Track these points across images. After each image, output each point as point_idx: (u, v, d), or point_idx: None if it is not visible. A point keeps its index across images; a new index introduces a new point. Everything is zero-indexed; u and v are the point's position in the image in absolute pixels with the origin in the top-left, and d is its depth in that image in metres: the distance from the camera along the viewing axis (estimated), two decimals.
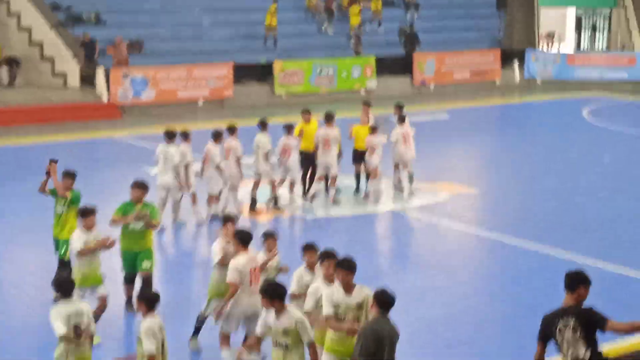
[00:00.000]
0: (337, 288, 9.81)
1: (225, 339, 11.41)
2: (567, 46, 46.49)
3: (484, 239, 18.10)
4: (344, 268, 9.86)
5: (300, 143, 20.12)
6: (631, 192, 21.72)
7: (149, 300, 9.50)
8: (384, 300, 9.09)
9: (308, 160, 20.17)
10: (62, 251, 13.87)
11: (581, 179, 23.09)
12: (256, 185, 19.53)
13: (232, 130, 19.11)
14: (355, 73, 36.89)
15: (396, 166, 20.97)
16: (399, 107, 21.46)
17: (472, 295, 14.95)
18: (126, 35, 34.37)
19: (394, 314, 9.23)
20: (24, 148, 26.53)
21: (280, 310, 9.32)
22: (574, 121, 32.46)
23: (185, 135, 18.66)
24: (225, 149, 18.76)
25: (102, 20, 34.81)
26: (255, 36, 36.99)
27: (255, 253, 11.44)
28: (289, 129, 19.94)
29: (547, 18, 45.42)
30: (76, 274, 12.06)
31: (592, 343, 8.77)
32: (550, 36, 44.83)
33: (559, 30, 46.64)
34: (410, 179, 20.79)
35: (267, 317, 9.44)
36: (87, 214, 12.51)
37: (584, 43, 46.76)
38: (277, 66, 35.27)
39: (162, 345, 9.42)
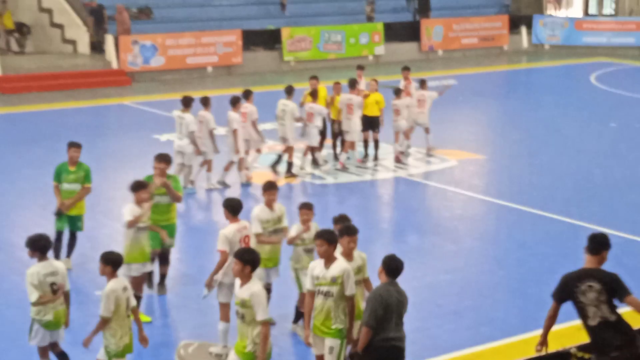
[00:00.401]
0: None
1: (223, 308, 11.24)
2: (575, 11, 46.29)
3: (490, 205, 18.15)
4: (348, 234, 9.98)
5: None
6: (637, 157, 21.72)
7: (115, 262, 9.70)
8: (393, 267, 9.14)
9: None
10: (80, 224, 14.21)
11: (588, 144, 23.10)
12: (290, 150, 19.69)
13: (247, 94, 19.30)
14: (363, 39, 36.84)
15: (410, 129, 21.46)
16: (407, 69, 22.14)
17: (478, 260, 15.03)
18: (135, 3, 34.40)
19: (401, 280, 9.33)
20: (35, 114, 26.65)
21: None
22: (582, 86, 32.45)
23: (205, 102, 18.79)
24: (241, 113, 18.90)
25: None
26: (264, 3, 36.91)
27: (246, 222, 11.38)
28: (313, 94, 20.06)
29: None
30: (127, 250, 11.74)
31: (614, 308, 8.79)
32: (557, 1, 44.65)
33: None
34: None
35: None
36: (139, 187, 12.18)
37: (592, 8, 46.50)
38: (285, 33, 35.23)
39: (127, 304, 9.62)
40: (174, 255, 13.82)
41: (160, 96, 29.37)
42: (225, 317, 11.15)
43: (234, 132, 18.52)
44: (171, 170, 13.93)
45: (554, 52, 40.30)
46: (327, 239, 9.49)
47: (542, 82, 34.57)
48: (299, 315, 11.60)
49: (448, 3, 40.40)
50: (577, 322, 12.05)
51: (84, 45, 32.83)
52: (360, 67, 22.63)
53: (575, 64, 37.59)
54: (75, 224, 14.20)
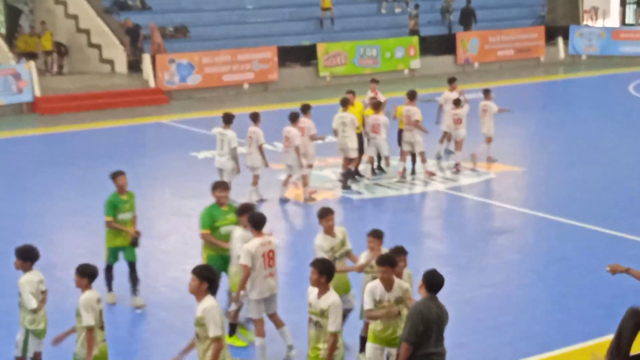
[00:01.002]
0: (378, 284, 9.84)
1: (257, 324, 11.24)
2: (612, 21, 45.99)
3: (529, 218, 18.04)
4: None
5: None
6: None
7: (91, 275, 9.77)
8: (434, 282, 9.12)
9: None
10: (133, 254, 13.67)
11: (628, 156, 22.91)
12: (353, 161, 20.04)
13: (305, 109, 19.50)
14: (398, 53, 36.84)
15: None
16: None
17: (518, 274, 14.96)
18: (171, 21, 34.66)
19: (442, 295, 9.30)
20: (73, 134, 26.87)
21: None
22: (621, 96, 32.19)
23: (255, 117, 18.88)
24: (299, 127, 19.03)
25: (147, 6, 35.07)
26: (299, 19, 37.06)
27: (269, 236, 11.28)
28: (377, 105, 20.26)
29: None
30: (234, 278, 11.51)
31: None
32: (594, 11, 44.41)
33: (604, 6, 46.19)
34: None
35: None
36: (245, 211, 11.71)
37: (629, 18, 46.20)
38: (321, 48, 35.31)
39: (100, 316, 9.71)
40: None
41: (198, 114, 29.52)
42: (260, 333, 11.16)
43: (297, 148, 18.58)
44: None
45: (592, 63, 40.05)
46: (319, 268, 9.38)
47: (579, 93, 34.35)
48: (363, 344, 11.06)
49: (483, 16, 40.21)
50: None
51: (121, 65, 33.10)
52: (374, 81, 22.65)
53: (614, 74, 37.32)
54: (132, 254, 13.65)
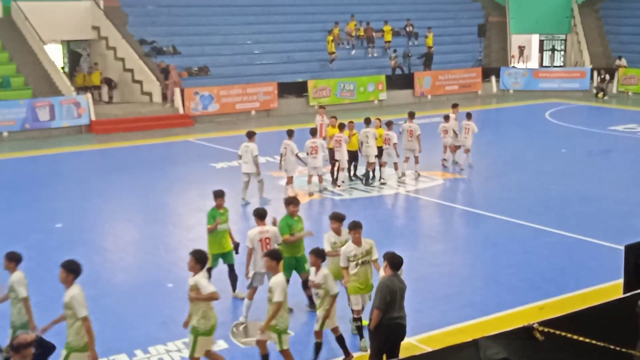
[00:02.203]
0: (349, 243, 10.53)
1: (252, 292, 11.47)
2: (533, 64, 46.17)
3: (469, 214, 18.08)
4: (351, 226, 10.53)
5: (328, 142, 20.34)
6: (583, 176, 21.61)
7: (77, 272, 8.78)
8: (395, 262, 9.16)
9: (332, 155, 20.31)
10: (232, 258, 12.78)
11: (545, 166, 22.99)
12: (373, 165, 20.33)
13: (342, 127, 20.07)
14: (370, 88, 36.84)
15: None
16: (410, 114, 22.09)
17: (460, 257, 14.98)
18: (196, 63, 34.61)
19: (403, 272, 9.32)
20: (121, 149, 26.81)
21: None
22: (539, 121, 32.25)
23: (290, 133, 19.16)
24: (335, 139, 19.83)
25: (178, 51, 35.01)
26: (294, 61, 37.05)
27: (269, 227, 11.46)
28: (389, 124, 20.61)
29: (516, 43, 45.11)
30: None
31: None
32: (521, 49, 44.59)
33: (527, 52, 46.38)
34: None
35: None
36: (339, 219, 11.19)
37: (546, 61, 46.36)
38: (311, 84, 35.30)
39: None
40: None
41: (216, 134, 29.49)
42: (250, 297, 11.45)
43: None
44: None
45: (517, 96, 40.08)
46: (270, 255, 9.73)
47: (508, 119, 34.42)
48: (360, 333, 10.74)
49: (435, 59, 40.30)
50: (537, 303, 12.07)
51: (157, 96, 33.01)
52: (322, 107, 23.88)
53: (534, 104, 37.36)
54: (231, 257, 12.74)
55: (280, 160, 19.13)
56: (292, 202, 12.02)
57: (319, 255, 10.22)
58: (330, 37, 37.59)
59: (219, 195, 12.92)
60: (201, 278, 9.22)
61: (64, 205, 18.87)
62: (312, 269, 10.25)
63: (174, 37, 35.64)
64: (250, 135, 18.52)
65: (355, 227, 10.45)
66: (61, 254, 14.69)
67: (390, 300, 8.94)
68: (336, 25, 38.88)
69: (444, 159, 22.62)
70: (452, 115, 22.96)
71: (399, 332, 9.17)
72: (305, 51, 37.95)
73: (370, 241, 10.64)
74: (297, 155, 18.98)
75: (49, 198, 19.58)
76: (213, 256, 12.42)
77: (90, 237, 16.33)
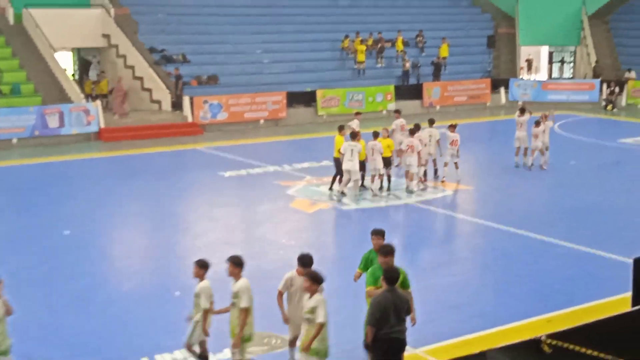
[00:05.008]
0: None
1: None
2: (542, 75, 46.12)
3: (478, 225, 17.94)
4: None
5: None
6: (592, 187, 21.50)
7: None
8: (388, 277, 9.01)
9: (338, 165, 20.16)
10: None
11: (554, 177, 22.91)
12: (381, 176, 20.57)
13: (376, 135, 20.30)
14: (378, 98, 36.82)
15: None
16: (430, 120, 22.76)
17: (470, 267, 14.91)
18: (205, 71, 34.67)
19: (412, 283, 9.21)
20: (131, 156, 26.83)
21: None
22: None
23: (376, 135, 20.26)
24: (407, 144, 20.35)
25: (188, 60, 35.07)
26: (303, 71, 37.08)
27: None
28: (412, 131, 20.95)
29: (526, 54, 45.09)
30: None
31: None
32: (529, 61, 44.56)
33: (536, 63, 46.31)
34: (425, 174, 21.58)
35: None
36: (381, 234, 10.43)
37: (555, 73, 46.30)
38: (320, 93, 35.30)
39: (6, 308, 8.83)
40: None
41: (225, 142, 29.50)
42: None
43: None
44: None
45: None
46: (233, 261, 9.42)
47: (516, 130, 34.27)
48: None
49: (444, 69, 40.26)
50: (546, 315, 11.99)
51: (167, 104, 33.04)
52: (358, 113, 24.30)
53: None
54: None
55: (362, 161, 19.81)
56: (377, 233, 10.42)
57: (315, 279, 9.06)
58: (363, 47, 37.99)
59: (375, 234, 10.57)
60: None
61: (73, 212, 18.88)
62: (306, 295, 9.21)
63: (184, 45, 35.70)
64: (354, 136, 19.63)
65: (388, 254, 9.55)
66: (69, 261, 14.72)
67: (381, 316, 8.80)
68: (346, 37, 38.86)
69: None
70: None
71: (396, 345, 9.03)
72: (314, 60, 37.95)
73: (403, 272, 9.58)
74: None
75: (58, 205, 19.58)
76: None
77: (98, 243, 16.31)
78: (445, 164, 22.09)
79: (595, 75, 41.12)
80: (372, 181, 20.28)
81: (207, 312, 9.48)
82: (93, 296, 12.69)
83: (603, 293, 13.00)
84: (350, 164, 19.31)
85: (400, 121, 23.88)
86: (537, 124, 23.83)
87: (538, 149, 23.65)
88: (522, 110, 24.61)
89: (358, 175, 19.79)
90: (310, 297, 9.02)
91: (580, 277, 13.94)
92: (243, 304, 9.17)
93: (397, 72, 39.09)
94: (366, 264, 10.23)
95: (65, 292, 13.04)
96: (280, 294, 9.64)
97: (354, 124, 22.45)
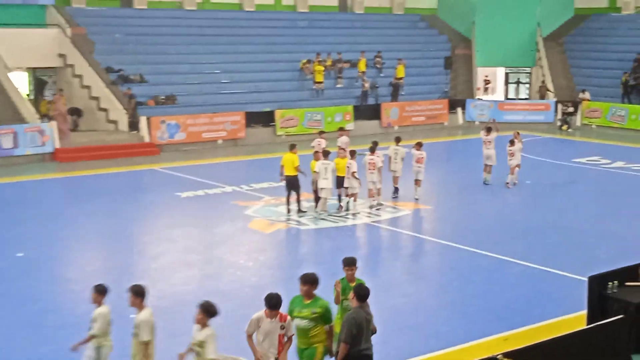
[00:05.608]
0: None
1: None
2: (498, 96, 46.76)
3: (435, 244, 18.07)
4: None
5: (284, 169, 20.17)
6: (547, 207, 21.78)
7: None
8: (361, 294, 9.09)
9: (290, 183, 20.10)
10: None
11: (510, 196, 23.18)
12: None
13: (373, 149, 21.14)
14: (337, 118, 36.98)
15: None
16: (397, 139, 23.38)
17: (426, 287, 14.98)
18: (163, 91, 34.50)
19: (369, 302, 9.24)
20: (86, 177, 26.52)
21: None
22: (505, 153, 32.52)
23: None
24: (368, 161, 20.89)
25: (145, 80, 34.90)
26: (262, 91, 37.10)
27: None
28: (371, 149, 21.28)
29: (482, 75, 45.71)
30: None
31: None
32: (487, 81, 45.13)
33: (492, 84, 46.96)
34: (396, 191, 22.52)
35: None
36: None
37: (511, 93, 46.99)
38: (278, 114, 35.35)
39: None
40: None
41: (182, 163, 29.34)
42: None
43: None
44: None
45: (483, 127, 40.41)
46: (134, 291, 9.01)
47: (474, 150, 34.63)
48: None
49: (402, 90, 40.61)
50: (503, 334, 12.09)
51: (123, 124, 32.78)
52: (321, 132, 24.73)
53: (499, 135, 37.70)
54: None
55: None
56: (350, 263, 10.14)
57: (208, 312, 8.60)
58: (322, 68, 38.24)
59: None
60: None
61: (26, 233, 18.58)
62: (196, 326, 8.72)
63: (141, 65, 35.51)
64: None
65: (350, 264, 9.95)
66: (22, 284, 14.48)
67: (357, 333, 8.88)
68: (308, 61, 38.99)
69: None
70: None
71: None
72: (273, 80, 38.02)
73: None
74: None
75: (11, 226, 19.27)
76: None
77: (52, 266, 16.06)
78: (416, 182, 22.19)
79: (541, 96, 41.93)
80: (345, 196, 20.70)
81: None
82: (45, 320, 12.46)
83: (559, 311, 13.15)
84: (325, 182, 19.55)
85: (345, 139, 24.14)
86: (512, 142, 24.45)
87: (513, 166, 24.29)
88: (489, 130, 24.88)
89: (330, 194, 19.91)
90: (201, 329, 8.57)
91: (536, 296, 14.09)
92: (144, 337, 8.72)
93: (356, 93, 39.31)
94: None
95: (16, 316, 12.82)
96: (249, 336, 9.02)
97: (341, 141, 23.77)
